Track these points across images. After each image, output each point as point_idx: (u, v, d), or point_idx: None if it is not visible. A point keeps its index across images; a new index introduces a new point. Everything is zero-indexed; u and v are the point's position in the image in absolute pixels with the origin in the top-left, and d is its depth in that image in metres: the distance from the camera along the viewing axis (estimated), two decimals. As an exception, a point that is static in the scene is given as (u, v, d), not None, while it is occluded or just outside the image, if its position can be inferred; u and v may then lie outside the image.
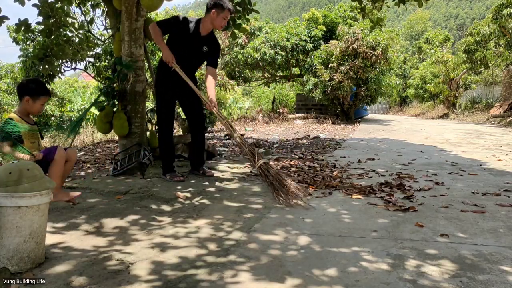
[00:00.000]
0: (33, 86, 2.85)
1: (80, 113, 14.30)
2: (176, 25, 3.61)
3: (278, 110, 18.19)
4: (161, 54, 3.70)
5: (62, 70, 8.45)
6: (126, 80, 4.09)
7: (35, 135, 2.91)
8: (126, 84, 4.11)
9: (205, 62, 3.84)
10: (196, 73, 9.99)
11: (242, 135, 3.57)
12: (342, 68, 13.02)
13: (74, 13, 7.80)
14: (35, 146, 2.86)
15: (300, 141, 7.59)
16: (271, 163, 3.60)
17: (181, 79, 3.56)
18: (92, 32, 7.55)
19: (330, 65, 13.33)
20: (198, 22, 3.65)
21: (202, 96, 3.65)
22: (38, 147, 2.88)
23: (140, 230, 2.35)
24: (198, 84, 3.76)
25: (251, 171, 4.21)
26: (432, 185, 3.59)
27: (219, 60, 15.99)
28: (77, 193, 2.90)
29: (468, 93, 23.22)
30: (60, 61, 7.60)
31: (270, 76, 18.14)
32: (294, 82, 19.78)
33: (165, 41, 3.69)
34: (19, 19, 4.86)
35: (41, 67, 6.47)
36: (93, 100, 4.42)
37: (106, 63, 8.60)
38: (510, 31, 14.89)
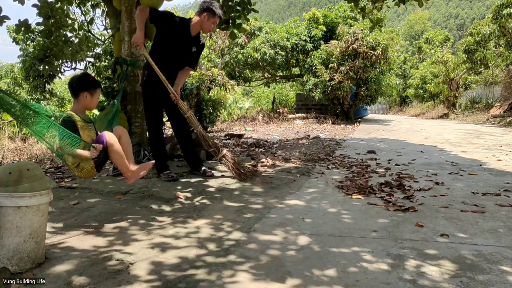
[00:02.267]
0: (88, 80, 2.78)
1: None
2: (169, 21, 3.60)
3: (278, 110, 18.19)
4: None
5: (62, 70, 8.46)
6: (128, 79, 4.08)
7: (92, 130, 2.81)
8: (127, 84, 4.10)
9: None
10: (196, 73, 9.91)
11: (205, 128, 3.74)
12: (342, 68, 13.02)
13: (74, 13, 7.81)
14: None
15: (300, 141, 7.59)
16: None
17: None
18: (92, 32, 7.56)
19: (330, 65, 13.33)
20: (188, 22, 3.66)
21: (168, 85, 3.58)
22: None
23: (140, 230, 2.35)
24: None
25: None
26: (432, 185, 3.59)
27: (219, 60, 15.98)
28: (149, 164, 2.76)
29: (468, 93, 23.22)
30: (60, 61, 7.60)
31: (270, 76, 18.13)
32: (294, 82, 19.77)
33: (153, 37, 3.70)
34: (19, 20, 4.87)
35: (41, 67, 6.47)
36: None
37: (106, 63, 8.61)
38: (510, 31, 14.88)
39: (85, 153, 2.48)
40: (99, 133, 2.68)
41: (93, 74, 8.93)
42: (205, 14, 3.58)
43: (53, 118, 2.59)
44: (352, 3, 5.51)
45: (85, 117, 2.76)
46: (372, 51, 12.74)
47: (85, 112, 2.82)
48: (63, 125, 2.52)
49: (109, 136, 2.57)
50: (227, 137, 8.32)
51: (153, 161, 2.88)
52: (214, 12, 3.58)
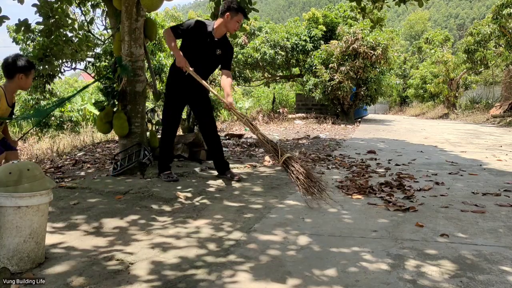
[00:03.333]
0: (24, 62, 2.92)
1: (82, 112, 14.29)
2: (190, 30, 3.58)
3: (278, 110, 18.19)
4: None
5: (62, 70, 8.45)
6: (128, 79, 4.08)
7: (5, 115, 2.92)
8: (127, 84, 4.10)
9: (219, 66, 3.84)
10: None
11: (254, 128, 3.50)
12: (342, 68, 13.02)
13: (74, 13, 7.81)
14: (0, 128, 2.88)
15: (300, 141, 7.59)
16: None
17: (193, 83, 3.55)
18: (92, 32, 7.55)
19: (330, 65, 13.33)
20: (211, 25, 3.62)
21: (219, 96, 3.64)
22: (0, 126, 2.89)
23: (140, 230, 2.35)
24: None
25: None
26: (432, 185, 3.59)
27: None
28: None
29: (468, 93, 23.23)
30: (60, 61, 7.59)
31: (270, 76, 18.13)
32: (294, 82, 19.78)
33: (178, 46, 3.67)
34: (19, 19, 4.86)
35: (41, 67, 6.47)
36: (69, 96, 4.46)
37: (106, 63, 8.61)
38: (510, 31, 14.89)
39: None
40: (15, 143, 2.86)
41: (93, 74, 8.94)
42: (227, 13, 3.51)
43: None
44: (354, 2, 5.51)
45: (10, 101, 2.88)
46: (372, 51, 12.74)
47: (15, 93, 2.98)
48: None
49: (1, 156, 2.73)
50: (227, 137, 8.32)
51: None
52: (237, 10, 3.52)
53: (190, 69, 3.47)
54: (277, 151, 3.15)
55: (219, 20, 3.60)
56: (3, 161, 2.80)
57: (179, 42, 3.74)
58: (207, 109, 3.83)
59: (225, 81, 3.65)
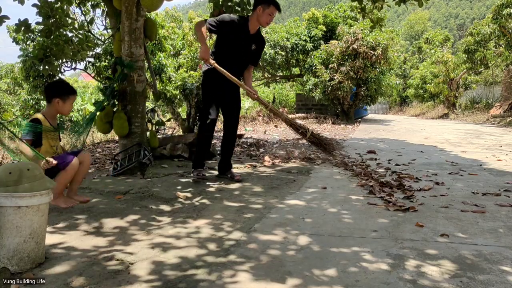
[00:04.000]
0: (62, 87, 2.86)
1: (82, 112, 14.30)
2: (226, 25, 3.52)
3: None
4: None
5: (62, 70, 8.45)
6: (127, 80, 4.09)
7: (56, 139, 2.88)
8: (127, 84, 4.11)
9: None
10: (196, 73, 9.85)
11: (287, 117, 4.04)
12: (342, 68, 13.02)
13: (74, 13, 7.81)
14: (53, 150, 2.83)
15: (300, 141, 7.59)
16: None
17: (228, 82, 3.52)
18: (92, 32, 7.55)
19: (330, 65, 13.33)
20: (246, 20, 3.58)
21: (245, 86, 3.62)
22: (55, 151, 2.84)
23: (140, 230, 2.35)
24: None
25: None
26: (432, 185, 3.59)
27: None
28: (74, 202, 2.85)
29: (468, 93, 23.22)
30: (60, 61, 7.59)
31: (270, 76, 18.13)
32: (294, 82, 19.76)
33: (209, 44, 3.64)
34: (19, 19, 4.86)
35: (41, 67, 6.47)
36: (93, 100, 4.39)
37: (106, 63, 8.61)
38: (510, 31, 14.88)
39: (39, 161, 2.55)
40: (82, 152, 2.80)
41: (93, 74, 8.94)
42: (259, 7, 3.46)
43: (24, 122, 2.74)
44: (354, 2, 5.51)
45: (53, 122, 2.85)
46: (372, 51, 12.74)
47: (56, 117, 2.90)
48: (31, 129, 2.64)
49: (74, 163, 2.69)
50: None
51: (76, 203, 2.88)
52: (269, 2, 3.46)
53: (212, 61, 3.45)
54: (305, 129, 3.98)
55: (252, 15, 3.56)
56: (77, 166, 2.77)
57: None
58: (236, 110, 3.79)
59: (249, 72, 3.69)
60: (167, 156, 4.71)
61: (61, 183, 2.72)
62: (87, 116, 3.73)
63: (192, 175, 3.72)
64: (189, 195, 3.18)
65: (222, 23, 3.52)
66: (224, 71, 3.46)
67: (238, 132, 9.46)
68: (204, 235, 2.26)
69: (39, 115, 2.78)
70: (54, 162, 2.58)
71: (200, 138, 3.75)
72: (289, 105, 20.77)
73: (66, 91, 2.84)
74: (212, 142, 7.01)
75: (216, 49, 3.65)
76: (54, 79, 3.00)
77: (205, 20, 3.54)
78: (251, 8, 5.36)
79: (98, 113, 4.01)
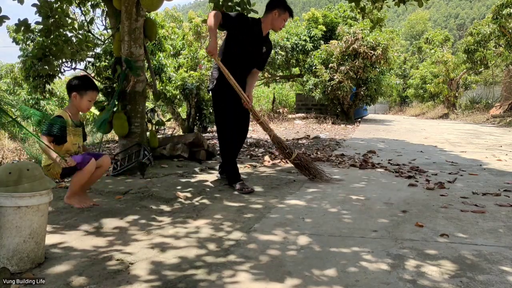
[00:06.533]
0: (79, 81, 2.78)
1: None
2: (240, 23, 3.40)
3: (278, 110, 18.19)
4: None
5: (62, 70, 8.45)
6: (126, 80, 4.08)
7: (79, 136, 2.83)
8: (126, 84, 4.11)
9: None
10: (196, 73, 9.80)
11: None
12: (342, 68, 13.02)
13: (74, 13, 7.81)
14: (75, 148, 2.78)
15: (300, 141, 7.59)
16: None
17: (234, 96, 3.41)
18: (92, 32, 7.55)
19: (330, 65, 13.33)
20: (259, 21, 3.48)
21: (242, 93, 3.43)
22: (78, 149, 2.80)
23: (140, 230, 2.35)
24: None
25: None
26: (433, 185, 3.59)
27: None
28: (89, 203, 2.81)
29: (468, 93, 23.23)
30: (60, 61, 7.59)
31: (270, 76, 18.13)
32: (294, 82, 19.77)
33: (208, 43, 3.48)
34: (19, 19, 4.86)
35: (40, 67, 6.46)
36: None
37: (106, 63, 8.60)
38: (510, 31, 14.88)
39: (57, 159, 2.53)
40: (102, 156, 2.75)
41: (93, 74, 8.94)
42: (275, 11, 3.39)
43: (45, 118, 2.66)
44: (353, 3, 5.51)
45: (76, 119, 2.79)
46: (372, 51, 12.74)
47: (78, 113, 2.83)
48: (54, 123, 2.58)
49: (91, 165, 2.64)
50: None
51: (94, 205, 2.83)
52: (285, 7, 3.41)
53: (217, 58, 3.32)
54: (291, 150, 3.72)
55: (266, 17, 3.46)
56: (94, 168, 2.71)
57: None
58: (246, 115, 3.62)
59: (253, 77, 3.57)
60: (167, 156, 4.71)
61: (76, 183, 2.68)
62: (100, 117, 3.65)
63: (239, 190, 3.35)
64: (189, 195, 3.18)
65: (236, 19, 3.40)
66: (228, 72, 3.32)
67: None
68: (204, 235, 2.26)
69: (61, 111, 2.75)
70: (73, 163, 2.55)
71: (224, 149, 3.55)
72: (289, 105, 20.77)
73: (83, 86, 2.74)
74: (212, 142, 7.01)
75: (224, 48, 3.50)
76: (77, 75, 2.93)
77: (221, 12, 3.33)
78: (251, 8, 5.36)
79: (98, 113, 4.01)
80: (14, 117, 2.55)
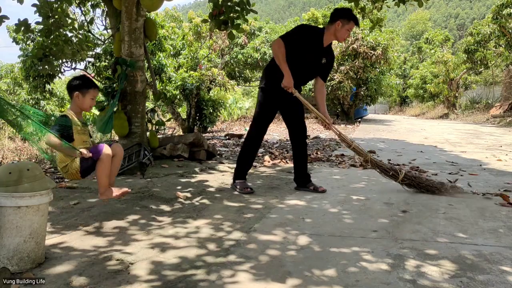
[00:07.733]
0: (79, 81, 2.80)
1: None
2: (301, 38, 3.30)
3: (278, 110, 18.14)
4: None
5: (62, 70, 8.45)
6: (127, 80, 4.08)
7: (86, 134, 2.84)
8: (127, 84, 4.10)
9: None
10: (196, 73, 9.82)
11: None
12: (342, 68, 13.03)
13: (74, 13, 7.81)
14: (86, 145, 2.80)
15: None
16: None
17: (286, 99, 3.36)
18: (92, 32, 7.56)
19: (330, 65, 13.34)
20: (321, 32, 3.36)
21: (319, 114, 3.39)
22: (89, 147, 2.82)
23: (140, 230, 2.35)
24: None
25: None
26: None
27: (219, 60, 15.95)
28: (126, 189, 2.74)
29: (468, 93, 23.24)
30: (60, 61, 7.59)
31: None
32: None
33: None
34: (19, 19, 4.86)
35: (41, 67, 6.47)
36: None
37: (106, 63, 8.61)
38: (510, 31, 14.89)
39: (64, 149, 2.50)
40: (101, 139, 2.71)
41: (93, 74, 8.94)
42: (339, 21, 3.25)
43: (53, 118, 2.62)
44: (353, 3, 5.51)
45: (80, 118, 2.79)
46: (372, 51, 12.75)
47: (81, 113, 2.83)
48: (59, 122, 2.56)
49: (106, 149, 2.61)
50: (227, 137, 8.32)
51: (128, 190, 2.78)
52: (349, 17, 3.27)
53: (295, 91, 3.26)
54: (395, 173, 3.40)
55: (329, 28, 3.34)
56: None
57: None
58: (300, 115, 3.53)
59: (322, 93, 3.48)
60: (167, 156, 4.71)
61: (101, 175, 2.63)
62: (101, 118, 3.63)
63: (237, 189, 3.38)
64: (189, 195, 3.18)
65: (299, 36, 3.29)
66: (303, 99, 3.30)
67: (238, 133, 9.48)
68: (204, 235, 2.26)
69: (66, 111, 2.76)
70: (89, 154, 2.54)
71: (246, 150, 3.49)
72: (289, 105, 20.71)
73: (84, 85, 2.76)
74: (212, 142, 7.01)
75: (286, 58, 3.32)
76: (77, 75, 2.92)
77: (282, 39, 3.25)
78: (251, 8, 5.35)
79: (98, 112, 4.01)
80: (16, 116, 2.52)
